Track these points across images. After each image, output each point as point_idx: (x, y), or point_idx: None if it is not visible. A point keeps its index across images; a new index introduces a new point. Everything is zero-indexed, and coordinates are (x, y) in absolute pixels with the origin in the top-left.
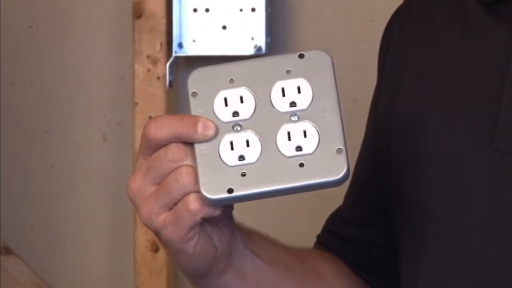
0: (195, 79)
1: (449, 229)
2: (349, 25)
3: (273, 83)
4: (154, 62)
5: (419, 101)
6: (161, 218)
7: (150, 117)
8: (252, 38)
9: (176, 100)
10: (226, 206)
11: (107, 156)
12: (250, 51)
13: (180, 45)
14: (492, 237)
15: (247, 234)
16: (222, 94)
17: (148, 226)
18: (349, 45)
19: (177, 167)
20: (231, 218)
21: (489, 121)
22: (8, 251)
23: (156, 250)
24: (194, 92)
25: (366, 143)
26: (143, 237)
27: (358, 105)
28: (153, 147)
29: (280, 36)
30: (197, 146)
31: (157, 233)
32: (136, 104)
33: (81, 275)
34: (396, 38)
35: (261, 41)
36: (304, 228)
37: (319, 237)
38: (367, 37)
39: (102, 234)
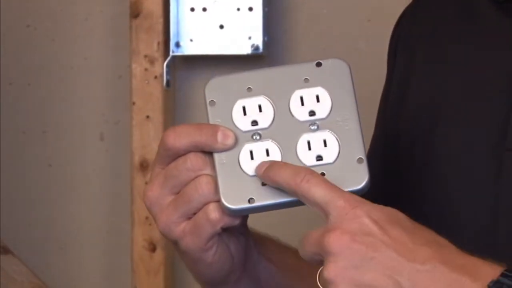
0: (212, 88)
1: (458, 229)
2: (346, 25)
3: (291, 92)
4: (152, 61)
5: (429, 100)
6: (180, 227)
7: (148, 117)
8: (250, 38)
9: (174, 99)
10: None
11: (105, 156)
12: (248, 50)
13: (177, 45)
14: (503, 236)
15: (260, 240)
16: (240, 103)
17: (166, 235)
18: (347, 44)
19: (196, 176)
20: (245, 226)
21: (501, 120)
22: (5, 250)
23: (153, 249)
24: (212, 100)
25: (374, 142)
26: (141, 236)
27: None
28: (171, 156)
29: (277, 35)
30: (216, 156)
31: (175, 243)
32: (134, 103)
33: (79, 274)
34: (404, 38)
35: (258, 40)
36: (306, 228)
37: None
38: (364, 36)
39: (100, 234)
